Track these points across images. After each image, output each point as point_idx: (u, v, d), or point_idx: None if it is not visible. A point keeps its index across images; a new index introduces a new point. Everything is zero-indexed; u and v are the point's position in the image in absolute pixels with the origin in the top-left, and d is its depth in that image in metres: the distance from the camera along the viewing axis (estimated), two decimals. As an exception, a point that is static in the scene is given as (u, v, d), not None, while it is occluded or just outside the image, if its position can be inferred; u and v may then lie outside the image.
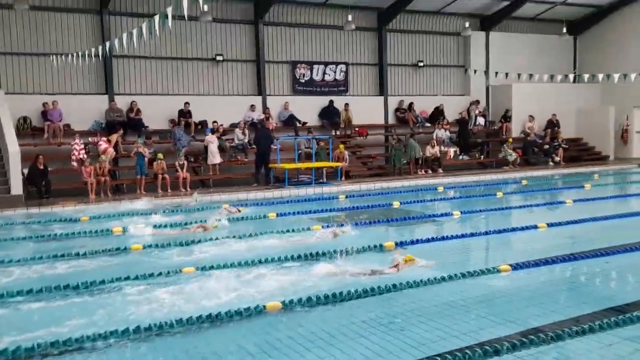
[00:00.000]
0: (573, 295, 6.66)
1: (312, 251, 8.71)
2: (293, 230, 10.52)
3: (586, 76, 22.59)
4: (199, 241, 9.80)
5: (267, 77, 21.41)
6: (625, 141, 25.78)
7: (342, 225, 10.63)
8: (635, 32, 25.13)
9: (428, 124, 23.51)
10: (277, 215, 12.59)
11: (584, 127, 25.94)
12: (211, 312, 6.04)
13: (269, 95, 21.37)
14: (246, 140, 19.34)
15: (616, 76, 21.16)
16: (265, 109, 20.85)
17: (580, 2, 25.13)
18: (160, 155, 17.12)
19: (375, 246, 9.06)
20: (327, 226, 10.65)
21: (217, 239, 9.97)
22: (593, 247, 8.79)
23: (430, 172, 20.88)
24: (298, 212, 12.94)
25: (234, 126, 19.86)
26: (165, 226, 11.40)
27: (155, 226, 11.23)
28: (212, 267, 7.95)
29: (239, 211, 12.90)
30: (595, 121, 25.59)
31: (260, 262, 8.25)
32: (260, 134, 18.45)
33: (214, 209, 13.32)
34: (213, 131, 18.93)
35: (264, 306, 6.23)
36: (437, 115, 23.58)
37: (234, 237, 10.11)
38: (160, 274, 7.67)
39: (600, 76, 21.85)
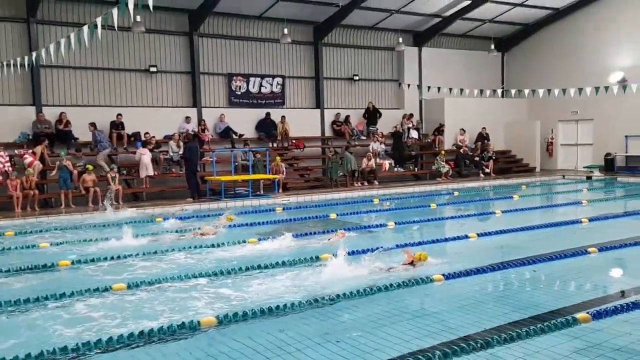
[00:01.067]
0: (502, 303, 6.85)
1: (249, 264, 8.65)
2: (230, 243, 10.42)
3: (513, 91, 23.55)
4: (130, 255, 9.56)
5: (203, 89, 21.21)
6: (551, 153, 26.99)
7: (345, 229, 11.25)
8: (558, 49, 26.40)
9: (364, 137, 23.86)
10: (214, 228, 12.43)
11: (512, 140, 26.96)
12: (143, 329, 5.88)
13: (205, 107, 21.16)
14: (180, 153, 19.04)
15: (541, 91, 22.14)
16: (200, 121, 20.61)
17: (507, 21, 26.20)
18: (89, 167, 16.63)
19: (311, 258, 9.08)
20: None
21: (150, 253, 9.75)
22: (521, 255, 9.09)
23: (366, 184, 21.15)
24: (235, 225, 12.81)
25: (168, 138, 19.53)
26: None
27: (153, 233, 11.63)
28: (144, 283, 7.76)
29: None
30: (522, 134, 26.64)
31: (195, 276, 8.12)
32: (190, 146, 18.13)
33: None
34: (145, 144, 18.57)
35: (199, 322, 6.12)
36: (371, 115, 24.00)
37: (167, 250, 9.92)
38: (88, 290, 7.41)
39: (526, 91, 22.82)
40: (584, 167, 24.78)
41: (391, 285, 7.37)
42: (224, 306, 6.77)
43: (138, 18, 17.28)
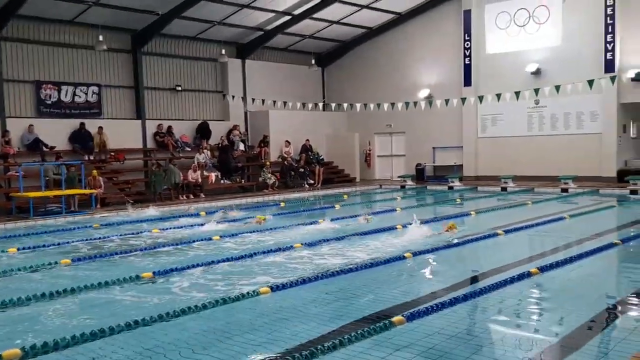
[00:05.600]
0: (328, 310, 7.00)
1: (68, 287, 7.95)
2: (33, 267, 9.52)
3: (333, 105, 24.62)
4: None
5: (7, 97, 19.30)
6: (369, 164, 28.58)
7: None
8: (373, 66, 28.10)
9: (188, 149, 23.35)
10: (18, 249, 11.30)
11: (334, 152, 28.09)
12: None
13: (9, 117, 19.26)
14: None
15: (358, 105, 23.42)
16: (5, 132, 18.71)
17: (326, 37, 27.34)
18: None
19: (131, 277, 8.58)
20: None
21: None
22: (344, 263, 9.40)
23: (192, 197, 20.68)
24: (44, 245, 11.75)
25: (-35, 151, 17.49)
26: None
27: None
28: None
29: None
30: (343, 146, 27.88)
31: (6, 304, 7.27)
32: None
33: None
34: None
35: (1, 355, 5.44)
36: (203, 130, 23.70)
37: None
38: None
39: (345, 105, 23.96)
40: (399, 177, 26.52)
41: (217, 301, 7.19)
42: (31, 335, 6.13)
43: None
